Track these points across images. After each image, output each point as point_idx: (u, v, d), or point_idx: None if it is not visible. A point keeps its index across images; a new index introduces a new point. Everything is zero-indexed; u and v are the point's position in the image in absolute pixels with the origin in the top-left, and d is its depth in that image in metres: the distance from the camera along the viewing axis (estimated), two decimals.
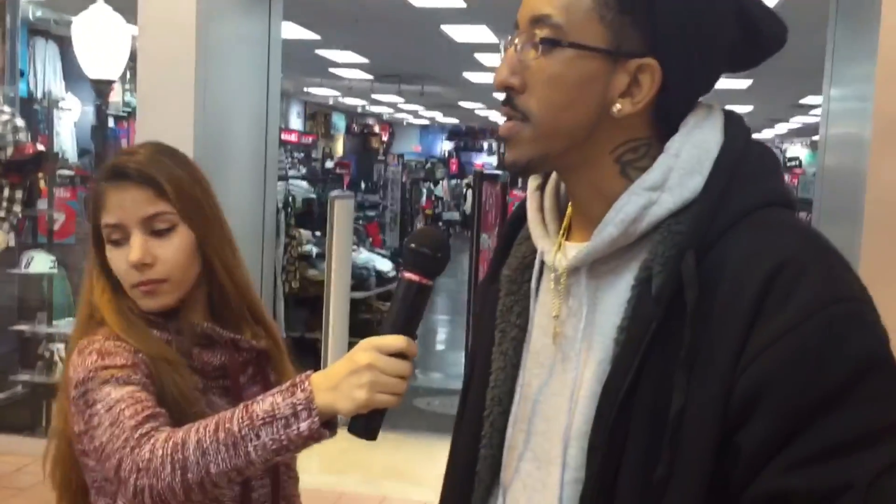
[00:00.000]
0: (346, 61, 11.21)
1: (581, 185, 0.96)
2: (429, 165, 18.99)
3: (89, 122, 7.40)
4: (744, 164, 0.91)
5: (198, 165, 1.41)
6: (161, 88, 4.19)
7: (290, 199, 6.40)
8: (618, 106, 0.90)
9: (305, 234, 6.37)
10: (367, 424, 1.03)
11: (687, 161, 0.91)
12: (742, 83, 10.41)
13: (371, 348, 1.02)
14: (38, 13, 7.12)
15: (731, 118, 0.95)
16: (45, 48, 7.81)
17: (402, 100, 15.59)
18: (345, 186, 9.18)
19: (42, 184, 4.99)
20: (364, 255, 6.93)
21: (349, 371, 1.03)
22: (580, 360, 0.94)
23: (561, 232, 1.00)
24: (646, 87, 0.90)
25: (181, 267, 1.30)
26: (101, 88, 5.13)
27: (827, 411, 0.81)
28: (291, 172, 10.03)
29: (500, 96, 0.94)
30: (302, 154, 12.50)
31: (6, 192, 4.67)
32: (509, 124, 0.93)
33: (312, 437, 1.05)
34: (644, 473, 0.86)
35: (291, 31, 9.17)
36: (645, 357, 0.87)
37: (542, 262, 1.00)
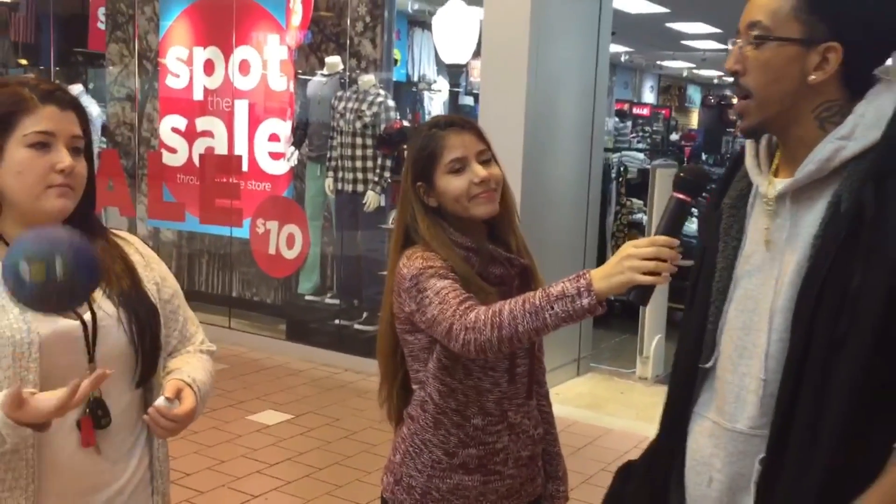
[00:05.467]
0: (698, 32, 11.16)
1: (790, 138, 1.36)
2: None
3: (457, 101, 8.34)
4: None
5: None
6: (500, 67, 4.78)
7: (623, 169, 6.74)
8: (812, 76, 1.31)
9: (637, 202, 6.68)
10: (637, 295, 1.43)
11: (869, 119, 1.29)
12: None
13: (630, 245, 1.43)
14: (416, 6, 8.21)
15: None
16: (420, 37, 8.95)
17: None
18: (686, 158, 9.26)
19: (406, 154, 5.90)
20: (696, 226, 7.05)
21: (616, 262, 1.44)
22: (783, 259, 1.35)
23: (771, 172, 1.40)
24: (832, 63, 1.30)
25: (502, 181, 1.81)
26: (454, 72, 5.90)
27: None
28: (640, 145, 10.33)
29: (730, 79, 1.40)
30: (652, 127, 12.68)
31: (379, 161, 5.64)
32: (741, 103, 1.36)
33: (590, 311, 1.47)
34: (831, 334, 1.25)
35: (639, 5, 9.41)
36: (836, 254, 1.26)
37: (755, 194, 1.41)
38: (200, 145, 6.28)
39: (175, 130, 6.38)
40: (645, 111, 13.72)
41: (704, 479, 1.44)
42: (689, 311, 1.51)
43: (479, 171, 1.76)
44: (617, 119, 10.83)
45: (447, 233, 1.78)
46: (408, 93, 8.15)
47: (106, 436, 1.47)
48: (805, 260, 1.31)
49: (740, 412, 1.38)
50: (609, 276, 1.44)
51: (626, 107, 13.22)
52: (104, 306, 1.49)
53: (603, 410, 4.96)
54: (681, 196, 1.43)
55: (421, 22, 8.56)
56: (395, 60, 6.81)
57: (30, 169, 1.42)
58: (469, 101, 8.70)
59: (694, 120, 17.73)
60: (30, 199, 1.44)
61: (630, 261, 1.41)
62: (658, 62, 14.86)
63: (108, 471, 1.49)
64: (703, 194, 1.55)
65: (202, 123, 6.27)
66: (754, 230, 1.41)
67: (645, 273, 1.40)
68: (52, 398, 1.30)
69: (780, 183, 1.36)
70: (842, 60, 1.29)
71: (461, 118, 1.87)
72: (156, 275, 1.61)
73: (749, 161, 1.43)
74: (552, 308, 1.49)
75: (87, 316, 1.46)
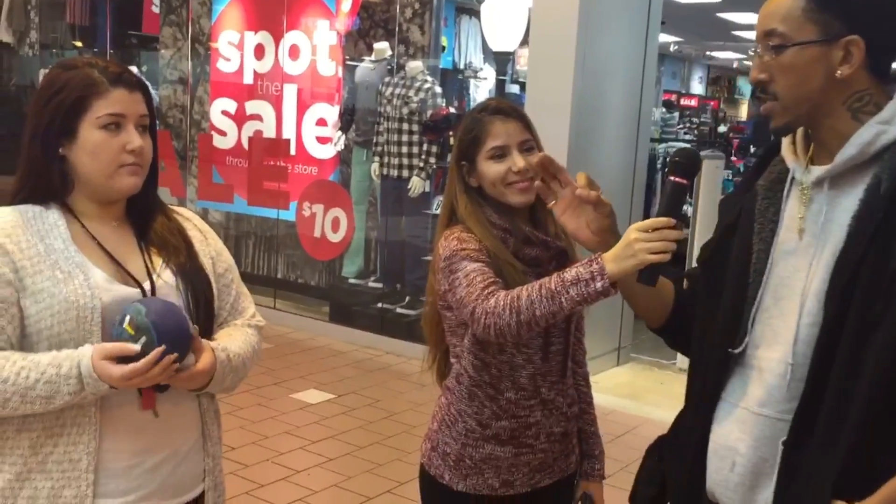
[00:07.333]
0: (749, 22, 10.99)
1: (824, 130, 1.37)
2: None
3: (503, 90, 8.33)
4: None
5: None
6: (548, 55, 4.79)
7: (668, 159, 6.70)
8: (839, 71, 1.33)
9: None
10: (647, 276, 1.48)
11: None
12: None
13: (635, 228, 1.47)
14: None
15: None
16: (468, 24, 8.95)
17: None
18: (733, 150, 9.16)
19: (451, 141, 5.94)
20: None
21: (624, 246, 1.48)
22: (819, 245, 1.35)
23: (807, 160, 1.41)
24: (856, 55, 1.32)
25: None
26: (501, 59, 5.91)
27: None
28: (687, 137, 10.23)
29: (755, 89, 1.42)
30: (700, 118, 12.53)
31: (424, 147, 5.68)
32: (768, 105, 1.38)
33: (604, 293, 1.53)
34: (865, 315, 1.26)
35: None
36: (872, 236, 1.27)
37: (791, 180, 1.43)
38: (249, 128, 6.39)
39: (225, 113, 6.50)
40: (693, 102, 13.55)
41: (727, 464, 1.43)
42: (709, 294, 1.50)
43: (519, 161, 1.82)
44: (664, 109, 10.72)
45: (485, 213, 1.84)
46: (454, 80, 8.15)
47: (164, 400, 1.55)
48: (841, 243, 1.31)
49: (767, 397, 1.39)
50: (620, 258, 1.48)
51: (673, 97, 13.09)
52: (163, 276, 1.57)
53: (642, 400, 4.97)
54: (678, 179, 1.48)
55: (468, 9, 8.56)
56: (443, 47, 6.83)
57: (103, 149, 1.51)
58: (515, 89, 8.67)
59: (743, 112, 17.44)
60: (103, 178, 1.53)
61: (639, 243, 1.45)
62: (708, 52, 14.68)
63: (164, 433, 1.56)
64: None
65: (251, 107, 6.38)
66: (789, 217, 1.41)
67: (653, 253, 1.44)
68: (127, 368, 1.41)
69: (818, 169, 1.37)
70: (865, 50, 1.31)
71: (510, 105, 1.91)
72: (212, 249, 1.69)
73: (786, 148, 1.44)
74: (568, 292, 1.55)
75: (147, 284, 1.54)
